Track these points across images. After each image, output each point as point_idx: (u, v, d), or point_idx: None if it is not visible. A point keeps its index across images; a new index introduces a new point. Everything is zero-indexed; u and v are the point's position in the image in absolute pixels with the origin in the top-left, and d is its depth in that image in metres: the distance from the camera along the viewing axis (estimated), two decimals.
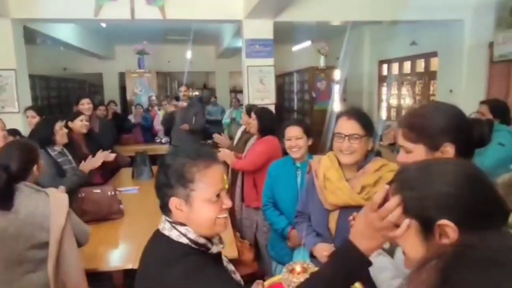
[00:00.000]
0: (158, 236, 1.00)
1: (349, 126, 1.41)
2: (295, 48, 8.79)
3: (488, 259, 0.43)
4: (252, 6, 4.13)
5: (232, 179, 2.98)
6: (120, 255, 2.15)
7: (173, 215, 0.97)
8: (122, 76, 8.95)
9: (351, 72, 7.41)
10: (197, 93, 13.64)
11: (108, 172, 3.66)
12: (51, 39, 5.96)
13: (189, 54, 7.54)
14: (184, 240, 0.95)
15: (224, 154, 2.68)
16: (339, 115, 1.47)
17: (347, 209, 1.42)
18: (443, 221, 0.66)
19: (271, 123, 2.76)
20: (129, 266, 1.95)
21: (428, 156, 0.98)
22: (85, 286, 1.61)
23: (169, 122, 4.66)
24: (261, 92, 5.03)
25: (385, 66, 7.01)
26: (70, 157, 2.68)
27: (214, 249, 0.98)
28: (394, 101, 6.84)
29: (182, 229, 0.96)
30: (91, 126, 3.44)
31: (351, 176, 1.46)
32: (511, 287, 0.40)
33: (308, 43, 8.19)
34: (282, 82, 9.03)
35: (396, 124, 2.89)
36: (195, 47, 8.60)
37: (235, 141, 3.55)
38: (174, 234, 0.96)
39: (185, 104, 4.65)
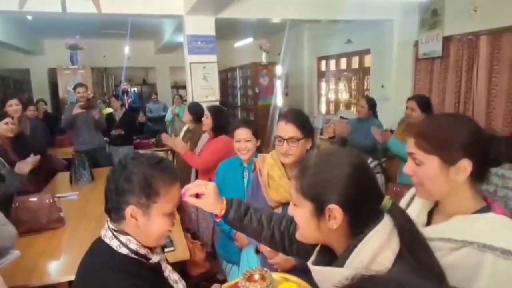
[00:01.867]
0: (99, 243, 0.98)
1: (287, 130, 1.47)
2: (237, 44, 8.82)
3: None
4: (193, 2, 4.07)
5: (185, 179, 2.95)
6: (63, 266, 2.02)
7: (122, 222, 0.96)
8: (52, 72, 8.28)
9: (292, 68, 7.64)
10: (135, 88, 13.12)
11: (41, 178, 3.42)
12: None
13: (126, 49, 7.22)
14: (124, 251, 0.94)
15: (176, 142, 2.66)
16: (279, 118, 1.53)
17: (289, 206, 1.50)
18: (332, 206, 0.79)
19: (225, 122, 2.77)
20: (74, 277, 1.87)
21: (442, 169, 0.90)
22: None
23: (70, 125, 4.19)
24: (205, 89, 5.00)
25: (323, 63, 7.33)
26: (2, 160, 2.46)
27: (155, 259, 0.99)
28: (332, 96, 7.18)
29: (123, 238, 0.95)
30: (22, 129, 3.17)
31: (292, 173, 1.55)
32: None
33: (250, 39, 8.27)
34: (225, 78, 9.03)
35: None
36: (133, 42, 8.25)
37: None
38: (114, 244, 0.94)
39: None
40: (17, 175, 2.44)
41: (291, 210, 0.90)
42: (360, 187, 0.80)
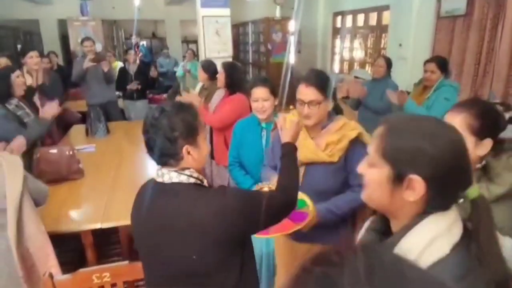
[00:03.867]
0: (166, 188, 1.11)
1: (308, 93, 1.49)
2: None
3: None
4: None
5: None
6: (86, 215, 2.14)
7: (181, 161, 1.11)
8: (62, 23, 8.14)
9: (305, 23, 7.38)
10: (144, 42, 12.88)
11: (59, 130, 3.50)
12: None
13: (137, 1, 7.00)
14: (192, 180, 1.12)
15: (191, 95, 2.66)
16: (299, 81, 1.54)
17: (312, 165, 1.55)
18: (415, 177, 0.71)
19: (239, 78, 2.74)
20: (98, 226, 1.97)
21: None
22: (49, 247, 1.61)
23: (81, 79, 4.21)
24: (217, 44, 4.90)
25: (339, 18, 7.05)
26: (27, 109, 2.51)
27: (205, 182, 1.18)
28: (346, 54, 6.99)
29: (187, 172, 1.12)
30: (43, 80, 3.23)
31: (315, 135, 1.57)
32: None
33: None
34: (236, 33, 8.79)
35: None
36: None
37: None
38: (183, 179, 1.11)
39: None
40: (42, 120, 2.47)
41: (362, 169, 0.82)
42: (454, 166, 0.71)
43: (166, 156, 1.10)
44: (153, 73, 4.94)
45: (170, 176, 1.11)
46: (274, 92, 2.09)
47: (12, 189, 1.45)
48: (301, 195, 1.49)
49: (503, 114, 1.30)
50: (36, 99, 2.84)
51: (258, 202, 1.12)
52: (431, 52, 4.72)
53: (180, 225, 1.08)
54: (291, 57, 6.71)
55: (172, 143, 1.08)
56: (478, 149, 1.23)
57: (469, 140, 1.19)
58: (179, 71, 6.49)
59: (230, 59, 4.84)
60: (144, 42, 12.84)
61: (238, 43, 8.92)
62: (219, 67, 2.78)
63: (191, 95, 2.63)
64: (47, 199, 1.74)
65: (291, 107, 2.38)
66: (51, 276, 1.31)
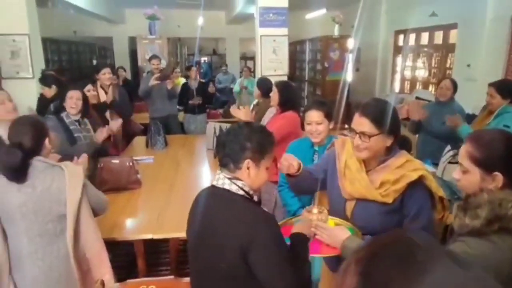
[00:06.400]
0: (217, 191, 1.24)
1: (361, 123, 1.36)
2: (309, 15, 8.53)
3: (400, 255, 0.47)
4: None
5: None
6: (140, 225, 2.24)
7: (237, 171, 1.22)
8: (132, 40, 8.83)
9: (365, 41, 7.22)
10: (205, 59, 13.46)
11: (123, 140, 3.74)
12: (62, 2, 5.85)
13: (200, 20, 7.37)
14: (241, 192, 1.22)
15: (242, 110, 2.70)
16: (355, 109, 1.42)
17: (364, 202, 1.42)
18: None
19: (292, 97, 2.73)
20: (149, 236, 2.05)
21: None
22: (104, 254, 1.67)
23: (146, 94, 4.51)
24: (273, 62, 4.96)
25: (401, 37, 6.81)
26: (89, 126, 2.72)
27: (256, 198, 1.28)
28: (408, 73, 6.70)
29: (239, 183, 1.22)
30: (113, 96, 3.51)
31: (372, 167, 1.42)
32: (423, 278, 0.44)
33: (323, 11, 7.94)
34: (293, 50, 8.85)
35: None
36: (205, 12, 8.39)
37: None
38: (233, 188, 1.21)
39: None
40: (92, 143, 2.64)
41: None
42: None
43: (228, 158, 1.21)
44: (211, 89, 5.14)
45: (223, 182, 1.22)
46: (329, 116, 2.03)
47: (71, 197, 1.53)
48: (350, 224, 1.43)
49: None
50: (107, 114, 3.08)
51: (274, 264, 1.15)
52: (504, 74, 4.35)
53: (217, 229, 1.18)
54: (349, 75, 6.59)
55: (239, 150, 1.20)
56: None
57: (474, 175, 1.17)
58: (236, 87, 6.67)
59: (286, 77, 4.87)
60: (205, 59, 13.46)
61: (295, 60, 8.97)
62: (273, 86, 2.81)
63: (242, 110, 2.66)
64: (106, 209, 1.81)
65: (346, 126, 2.31)
66: (102, 284, 1.39)
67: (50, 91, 3.57)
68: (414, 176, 1.33)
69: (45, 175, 1.53)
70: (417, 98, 5.20)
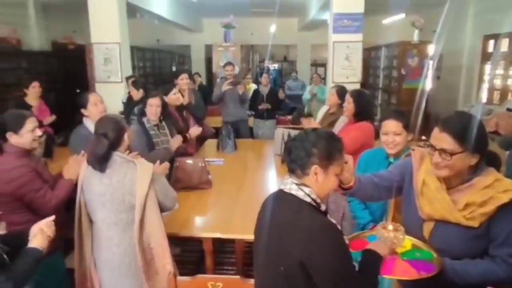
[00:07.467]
0: (284, 195, 1.23)
1: (441, 139, 1.23)
2: (386, 20, 8.20)
3: None
4: None
5: None
6: (208, 224, 2.33)
7: (305, 177, 1.21)
8: (208, 48, 9.31)
9: (448, 47, 6.71)
10: (276, 65, 13.63)
11: (197, 142, 3.94)
12: (148, 13, 6.39)
13: (273, 27, 7.51)
14: (307, 199, 1.19)
15: (311, 122, 2.66)
16: (436, 124, 1.29)
17: (445, 224, 1.28)
18: None
19: (367, 107, 2.65)
20: (217, 235, 2.12)
21: None
22: (166, 246, 1.77)
23: (219, 99, 4.72)
24: (346, 69, 4.86)
25: (491, 42, 6.20)
26: (166, 130, 2.92)
27: (323, 207, 1.25)
28: (498, 82, 6.06)
29: (307, 190, 1.20)
30: (190, 100, 3.74)
31: (454, 185, 1.29)
32: None
33: (401, 15, 7.57)
34: (367, 57, 8.55)
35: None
36: (278, 19, 8.52)
37: (318, 121, 3.51)
38: (300, 194, 1.20)
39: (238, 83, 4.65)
40: (168, 149, 2.82)
41: None
42: None
43: (295, 163, 1.21)
44: (280, 95, 5.19)
45: (290, 187, 1.21)
46: (408, 127, 1.91)
47: (140, 189, 1.68)
48: (427, 247, 1.32)
49: None
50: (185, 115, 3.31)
51: (335, 279, 1.11)
52: None
53: (280, 233, 1.17)
54: (428, 84, 6.17)
55: (306, 156, 1.19)
56: None
57: None
58: (305, 94, 6.64)
59: (359, 85, 4.73)
60: (275, 66, 13.64)
61: (368, 67, 8.66)
62: (347, 96, 2.74)
63: (312, 122, 2.65)
64: (174, 206, 1.92)
65: (423, 137, 2.17)
66: (174, 275, 1.47)
67: (138, 94, 3.92)
68: (504, 198, 1.18)
69: (121, 168, 1.70)
70: (508, 109, 4.67)
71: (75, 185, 1.85)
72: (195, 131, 3.25)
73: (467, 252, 1.26)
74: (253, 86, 5.97)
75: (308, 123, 2.67)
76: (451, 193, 1.28)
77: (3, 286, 1.27)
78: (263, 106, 5.02)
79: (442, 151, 1.22)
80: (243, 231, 2.10)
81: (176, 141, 2.91)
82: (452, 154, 1.20)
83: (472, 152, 1.21)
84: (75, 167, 1.92)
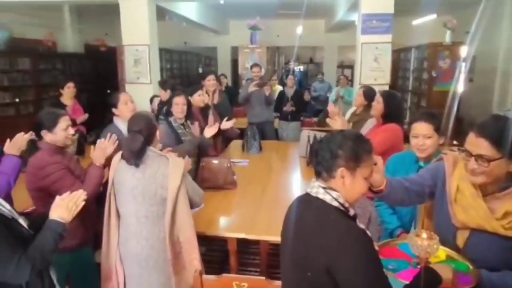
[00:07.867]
0: (310, 199, 1.20)
1: (477, 144, 1.18)
2: (416, 21, 7.98)
3: None
4: None
5: None
6: (233, 224, 2.34)
7: (331, 180, 1.17)
8: (234, 50, 9.38)
9: (483, 49, 6.45)
10: (301, 67, 13.55)
11: (222, 143, 3.98)
12: (177, 15, 6.52)
13: (299, 29, 7.48)
14: (335, 203, 1.16)
15: (338, 121, 2.56)
16: (470, 128, 1.25)
17: (481, 233, 1.23)
18: None
19: (397, 109, 2.59)
20: (242, 235, 2.13)
21: None
22: (195, 241, 1.81)
23: (245, 100, 4.71)
24: (374, 71, 4.77)
25: None
26: (192, 129, 2.96)
27: (352, 212, 1.20)
28: None
29: (334, 194, 1.17)
30: (219, 99, 3.80)
31: (490, 191, 1.24)
32: None
33: (432, 16, 7.34)
34: (396, 58, 8.34)
35: None
36: (305, 21, 8.46)
37: None
38: (327, 198, 1.16)
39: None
40: (193, 139, 2.86)
41: None
42: None
43: (321, 166, 1.18)
44: (306, 97, 5.16)
45: (317, 190, 1.19)
46: (439, 129, 1.84)
47: (172, 183, 1.72)
48: (462, 258, 1.27)
49: None
50: (211, 116, 3.33)
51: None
52: None
53: (306, 237, 1.15)
54: (460, 86, 5.95)
55: (331, 158, 1.15)
56: None
57: None
58: (332, 96, 6.57)
59: (387, 87, 4.63)
60: (301, 67, 13.57)
61: (397, 69, 8.45)
62: (377, 95, 2.68)
63: (339, 120, 2.55)
64: (202, 202, 1.97)
65: (454, 142, 2.09)
66: (200, 273, 1.48)
67: (165, 95, 4.00)
68: None
69: (153, 162, 1.75)
70: None
71: (106, 181, 1.91)
72: (228, 124, 3.24)
73: (504, 263, 1.20)
74: (278, 88, 5.96)
75: (333, 122, 2.55)
76: (487, 201, 1.23)
77: (22, 268, 1.24)
78: (287, 107, 5.00)
79: (479, 157, 1.18)
80: (268, 233, 2.09)
81: (210, 130, 2.97)
82: (489, 160, 1.16)
83: (510, 158, 1.16)
84: (103, 150, 2.00)
